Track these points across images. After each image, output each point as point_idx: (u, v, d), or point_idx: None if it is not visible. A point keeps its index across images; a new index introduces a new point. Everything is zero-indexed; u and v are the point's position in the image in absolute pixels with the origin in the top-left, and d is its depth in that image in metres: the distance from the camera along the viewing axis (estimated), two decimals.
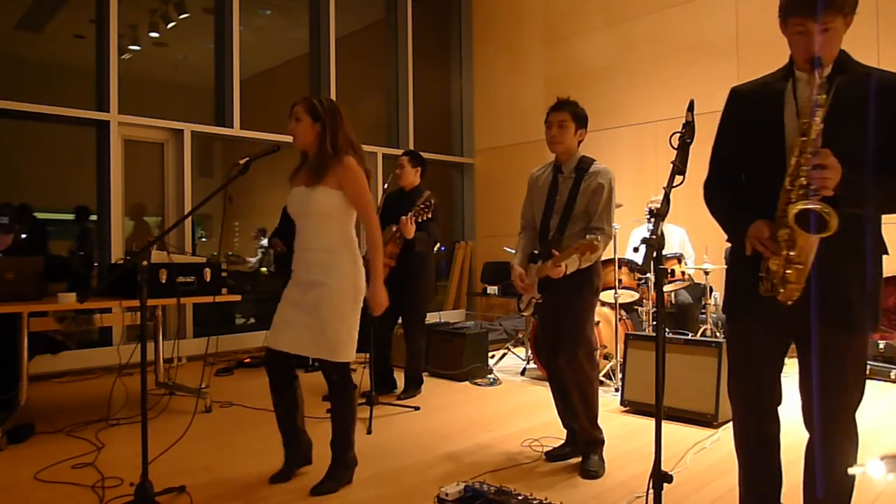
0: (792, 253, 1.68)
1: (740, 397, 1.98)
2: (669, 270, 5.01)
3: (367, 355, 4.05)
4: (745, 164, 1.92)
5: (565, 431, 3.19)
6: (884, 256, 1.79)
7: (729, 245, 2.01)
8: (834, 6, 1.68)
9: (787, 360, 1.92)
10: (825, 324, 1.74)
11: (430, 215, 4.20)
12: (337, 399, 2.78)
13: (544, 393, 3.77)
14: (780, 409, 1.95)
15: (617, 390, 4.36)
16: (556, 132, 2.97)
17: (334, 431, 2.78)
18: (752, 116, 1.86)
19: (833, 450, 1.81)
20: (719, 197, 1.96)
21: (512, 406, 4.26)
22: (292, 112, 2.74)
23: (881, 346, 4.84)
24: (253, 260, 8.49)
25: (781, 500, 1.98)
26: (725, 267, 2.02)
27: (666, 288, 5.07)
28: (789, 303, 1.72)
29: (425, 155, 4.74)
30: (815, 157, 1.63)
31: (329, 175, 2.68)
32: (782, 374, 1.94)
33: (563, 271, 2.81)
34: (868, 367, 4.62)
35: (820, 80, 1.66)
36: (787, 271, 1.69)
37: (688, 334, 4.64)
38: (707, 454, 3.12)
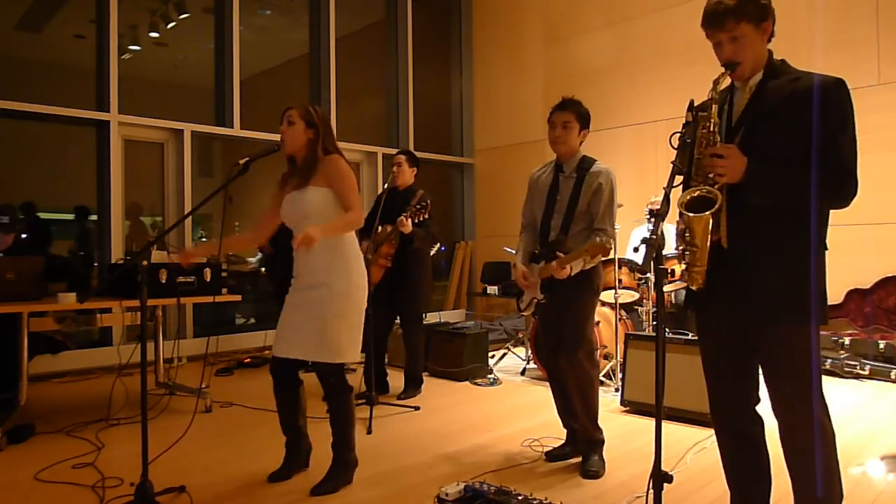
0: (687, 235, 1.83)
1: (711, 393, 2.03)
2: (669, 270, 5.00)
3: (364, 356, 4.05)
4: None
5: (565, 431, 3.19)
6: (826, 251, 1.84)
7: None
8: (734, 15, 1.81)
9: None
10: (767, 318, 1.82)
11: (426, 216, 4.20)
12: (335, 401, 2.77)
13: (544, 393, 3.77)
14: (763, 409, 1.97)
15: (617, 390, 4.36)
16: (560, 133, 2.97)
17: (334, 434, 2.79)
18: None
19: (795, 438, 1.85)
20: None
21: (512, 406, 4.26)
22: (285, 116, 2.74)
23: (881, 346, 4.84)
24: (253, 260, 8.48)
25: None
26: None
27: (666, 288, 5.07)
28: (694, 287, 1.85)
29: (425, 155, 4.75)
30: (712, 146, 1.79)
31: (318, 174, 2.69)
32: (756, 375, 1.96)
33: (569, 272, 2.81)
34: (869, 367, 4.67)
35: (719, 76, 1.82)
36: (687, 255, 1.84)
37: (688, 334, 4.63)
38: (707, 454, 3.12)
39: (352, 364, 5.54)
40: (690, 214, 1.78)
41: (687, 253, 1.84)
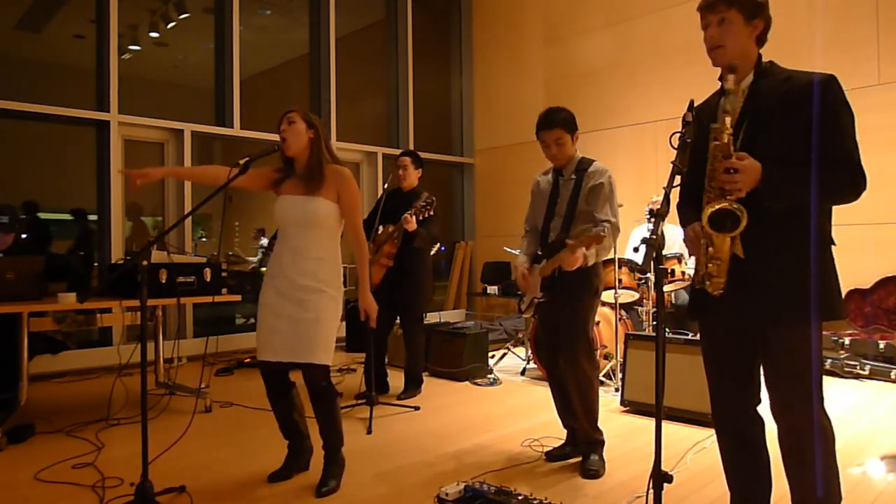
0: (711, 249, 1.82)
1: (712, 394, 2.03)
2: (669, 270, 5.00)
3: (364, 355, 4.05)
4: (697, 179, 1.96)
5: (565, 431, 3.19)
6: (832, 247, 1.85)
7: None
8: (727, 1, 1.84)
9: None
10: (771, 317, 1.82)
11: (431, 213, 4.21)
12: (326, 405, 2.77)
13: (544, 393, 3.77)
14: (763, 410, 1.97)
15: (617, 390, 4.36)
16: (556, 151, 2.97)
17: (326, 436, 2.79)
18: (699, 131, 1.92)
19: (794, 439, 1.85)
20: (686, 212, 2.03)
21: (512, 406, 4.26)
22: (285, 117, 2.74)
23: (881, 346, 4.84)
24: (253, 259, 8.49)
25: None
26: None
27: (666, 288, 5.07)
28: (717, 293, 1.84)
29: (425, 155, 4.75)
30: (727, 160, 1.77)
31: (328, 185, 2.71)
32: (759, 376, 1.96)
33: (579, 260, 2.76)
34: (869, 367, 4.67)
35: (729, 85, 1.81)
36: (709, 266, 1.83)
37: (688, 334, 4.64)
38: (707, 454, 3.12)
39: (352, 364, 5.55)
40: (715, 232, 1.76)
41: (710, 265, 1.82)
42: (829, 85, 1.79)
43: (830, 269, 1.83)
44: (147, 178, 2.68)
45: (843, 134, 1.77)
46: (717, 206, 1.77)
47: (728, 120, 1.80)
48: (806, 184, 1.74)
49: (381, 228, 4.42)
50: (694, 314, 2.03)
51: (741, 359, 1.94)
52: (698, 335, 2.11)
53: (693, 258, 1.91)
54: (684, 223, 2.02)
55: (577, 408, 2.98)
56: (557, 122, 2.94)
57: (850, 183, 1.76)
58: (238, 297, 4.23)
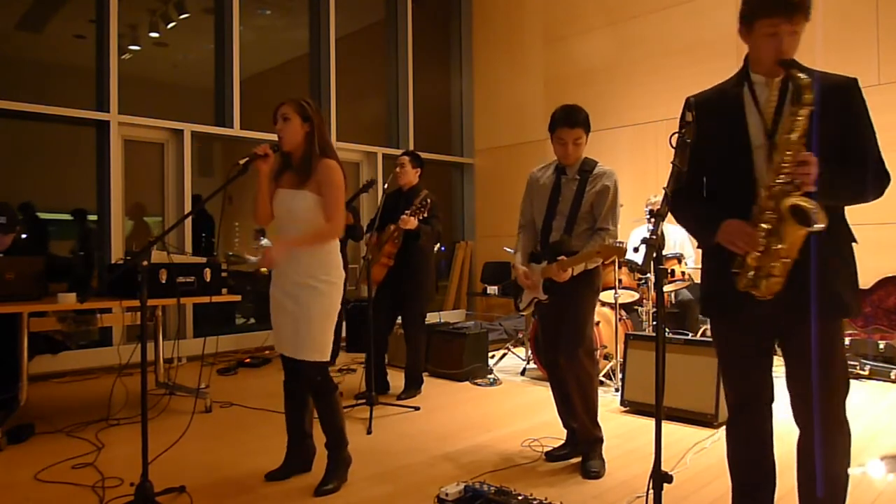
0: (779, 246, 1.70)
1: (729, 393, 2.02)
2: (669, 270, 5.00)
3: (365, 355, 4.06)
4: (710, 172, 1.95)
5: (565, 431, 3.19)
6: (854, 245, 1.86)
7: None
8: (803, 9, 1.77)
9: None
10: (818, 315, 1.78)
11: (426, 214, 4.22)
12: (324, 400, 2.78)
13: (544, 393, 3.78)
14: (774, 407, 1.96)
15: (617, 390, 4.35)
16: (572, 150, 2.96)
17: (327, 433, 2.80)
18: (713, 124, 1.88)
19: (830, 445, 1.83)
20: (687, 205, 1.95)
21: (512, 406, 4.26)
22: (279, 113, 2.73)
23: (881, 346, 4.83)
24: (253, 259, 8.48)
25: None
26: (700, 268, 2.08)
27: (666, 288, 5.07)
28: (769, 297, 1.75)
29: (425, 155, 4.75)
30: (796, 154, 1.70)
31: (312, 179, 2.70)
32: (772, 372, 1.96)
33: (569, 275, 2.82)
34: (869, 367, 4.67)
35: (805, 82, 1.72)
36: (773, 264, 1.72)
37: (688, 334, 4.64)
38: (707, 454, 3.12)
39: (352, 364, 5.55)
40: (799, 224, 1.65)
41: (775, 263, 1.71)
42: (857, 87, 1.82)
43: (854, 267, 1.85)
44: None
45: (870, 134, 1.80)
46: (799, 203, 1.64)
47: (805, 112, 1.72)
48: (849, 182, 1.75)
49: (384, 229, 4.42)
50: (713, 312, 1.99)
51: (761, 356, 1.92)
52: (711, 331, 2.08)
53: (691, 258, 1.89)
54: (683, 213, 1.98)
55: (576, 404, 2.98)
56: (580, 122, 2.93)
57: (878, 182, 1.78)
58: (238, 297, 4.23)
